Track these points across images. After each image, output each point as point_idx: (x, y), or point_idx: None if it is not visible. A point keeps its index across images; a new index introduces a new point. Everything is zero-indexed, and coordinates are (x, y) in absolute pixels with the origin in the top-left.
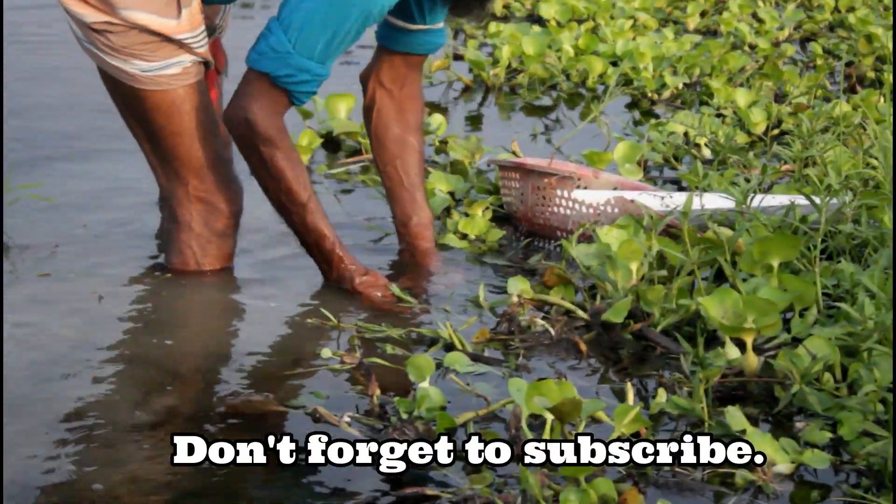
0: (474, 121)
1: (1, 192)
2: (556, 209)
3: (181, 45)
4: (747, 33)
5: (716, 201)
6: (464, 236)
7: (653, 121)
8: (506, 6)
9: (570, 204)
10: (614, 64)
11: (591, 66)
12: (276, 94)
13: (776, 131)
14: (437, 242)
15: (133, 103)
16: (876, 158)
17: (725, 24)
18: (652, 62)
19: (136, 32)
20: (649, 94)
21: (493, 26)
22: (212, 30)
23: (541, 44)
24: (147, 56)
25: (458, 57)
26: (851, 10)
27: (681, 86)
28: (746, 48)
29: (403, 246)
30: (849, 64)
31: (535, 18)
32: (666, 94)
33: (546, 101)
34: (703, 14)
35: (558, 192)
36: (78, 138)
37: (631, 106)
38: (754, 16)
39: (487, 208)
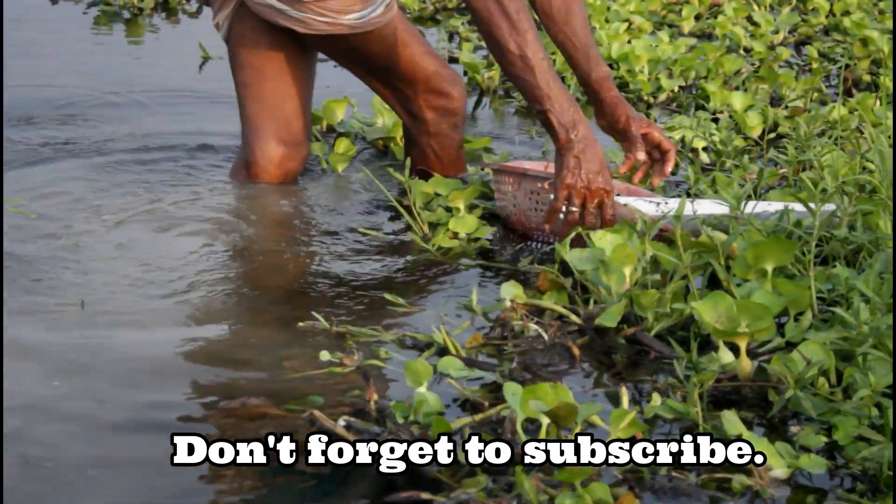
0: (469, 123)
1: (1, 194)
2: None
3: None
4: (742, 37)
5: (709, 207)
6: (455, 235)
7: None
8: None
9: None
10: (610, 67)
11: None
12: None
13: (772, 135)
14: (431, 243)
15: (352, 51)
16: (872, 162)
17: (720, 27)
18: (647, 65)
19: None
20: (645, 98)
21: None
22: None
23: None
24: (354, 8)
25: (452, 59)
26: (847, 13)
27: (676, 89)
28: (742, 51)
29: (593, 104)
30: (845, 67)
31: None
32: (662, 97)
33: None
34: (697, 17)
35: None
36: None
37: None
38: (749, 19)
39: (476, 206)
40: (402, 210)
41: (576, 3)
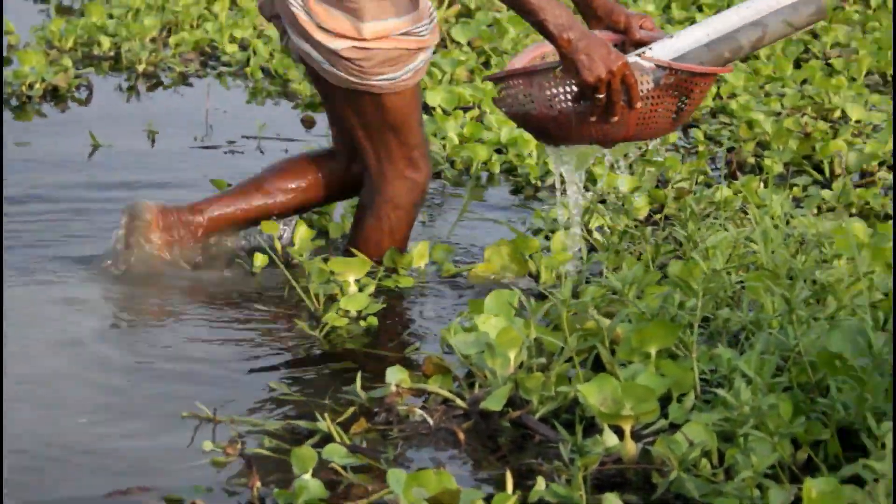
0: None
1: (1, 196)
2: (565, 93)
3: (419, 43)
4: None
5: (693, 36)
6: (346, 313)
7: (537, 208)
8: None
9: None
10: (499, 151)
11: (476, 153)
12: None
13: (659, 216)
14: (322, 320)
15: (370, 110)
16: (755, 242)
17: None
18: (536, 150)
19: (380, 52)
20: (533, 181)
21: None
22: None
23: (426, 130)
24: (389, 70)
25: None
26: (733, 96)
27: None
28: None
29: (586, 15)
30: (730, 150)
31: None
32: (550, 180)
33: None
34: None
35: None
36: None
37: (515, 192)
38: None
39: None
40: (297, 287)
41: None
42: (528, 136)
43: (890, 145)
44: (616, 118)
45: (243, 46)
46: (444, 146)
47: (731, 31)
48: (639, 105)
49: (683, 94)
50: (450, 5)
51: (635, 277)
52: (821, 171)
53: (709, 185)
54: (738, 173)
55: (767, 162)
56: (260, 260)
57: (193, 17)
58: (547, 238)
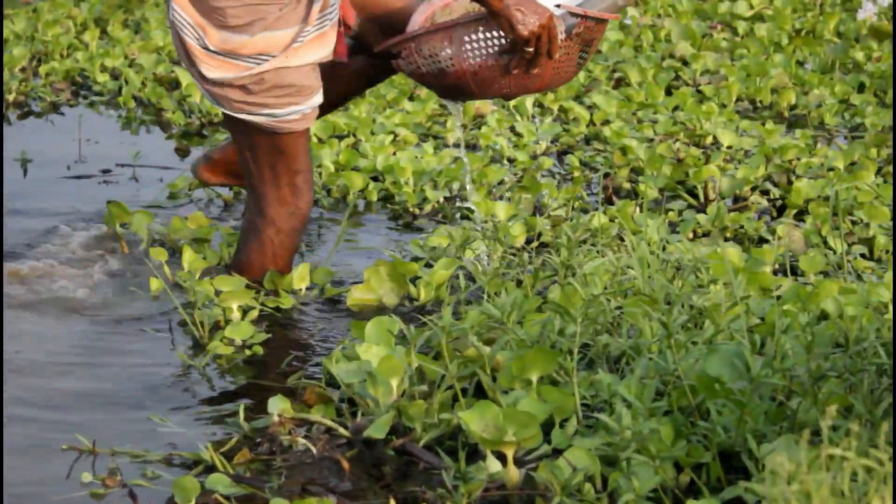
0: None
1: (1, 199)
2: (489, 47)
3: (308, 83)
4: (506, 147)
5: None
6: (231, 341)
7: (415, 236)
8: None
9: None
10: (375, 179)
11: (352, 181)
12: None
13: (535, 244)
14: (206, 349)
15: (255, 144)
16: (633, 268)
17: (484, 138)
18: (412, 177)
19: (270, 85)
20: (411, 209)
21: None
22: None
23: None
24: (274, 104)
25: None
26: (606, 122)
27: (442, 200)
28: (505, 161)
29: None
30: (605, 176)
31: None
32: (427, 207)
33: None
34: (462, 128)
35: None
36: None
37: (393, 220)
38: (512, 129)
39: (253, 308)
40: (183, 314)
41: None
42: (404, 163)
43: (762, 170)
44: (537, 70)
45: (115, 76)
46: (320, 174)
47: None
48: (557, 55)
49: (587, 43)
50: None
51: (515, 304)
52: (695, 196)
53: (585, 211)
54: (615, 198)
55: (642, 187)
56: (155, 285)
57: (63, 47)
58: (429, 265)
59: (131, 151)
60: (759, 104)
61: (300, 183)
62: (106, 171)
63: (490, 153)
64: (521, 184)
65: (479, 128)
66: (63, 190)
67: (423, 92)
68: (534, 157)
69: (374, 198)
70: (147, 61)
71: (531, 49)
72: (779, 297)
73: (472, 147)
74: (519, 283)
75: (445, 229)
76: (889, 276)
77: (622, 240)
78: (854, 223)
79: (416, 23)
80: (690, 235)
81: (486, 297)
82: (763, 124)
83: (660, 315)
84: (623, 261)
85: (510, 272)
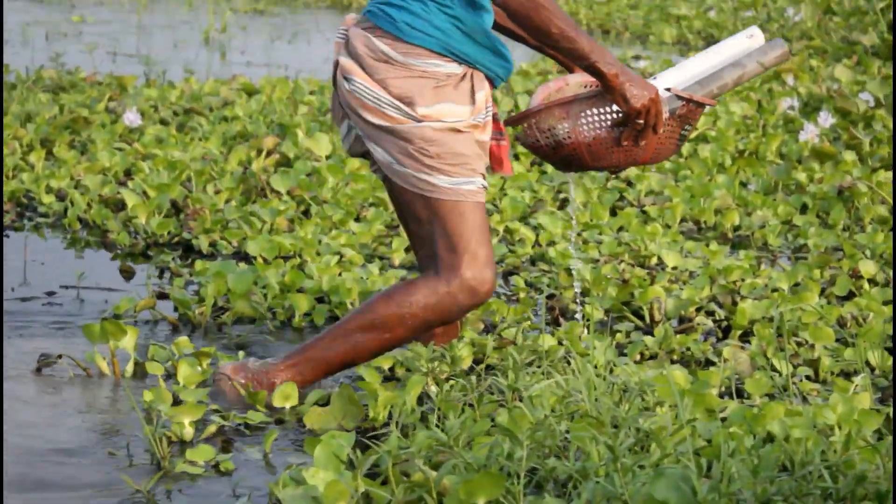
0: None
1: (1, 202)
2: (602, 121)
3: (479, 151)
4: None
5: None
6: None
7: None
8: (212, 244)
9: (610, 111)
10: (321, 300)
11: (298, 303)
12: None
13: (482, 366)
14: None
15: (428, 212)
16: (580, 392)
17: None
18: (358, 298)
19: (446, 149)
20: None
21: (199, 264)
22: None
23: (247, 281)
24: (450, 171)
25: (162, 296)
26: (552, 243)
27: None
28: None
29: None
30: (550, 297)
31: (241, 256)
32: None
33: (253, 338)
34: (408, 249)
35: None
36: None
37: None
38: None
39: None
40: (146, 429)
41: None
42: (349, 284)
43: (707, 291)
44: (644, 142)
45: (60, 197)
46: (265, 296)
47: (717, 70)
48: (661, 130)
49: (687, 123)
50: (268, 155)
51: (463, 427)
52: (641, 317)
53: (533, 330)
54: (561, 319)
55: (588, 309)
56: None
57: (9, 168)
58: (387, 379)
59: (77, 271)
60: (703, 225)
61: (486, 267)
62: (50, 294)
63: None
64: None
65: None
66: (6, 313)
67: (370, 213)
68: None
69: (321, 320)
70: (93, 182)
71: (641, 121)
72: (724, 420)
73: (418, 268)
74: (470, 406)
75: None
76: (835, 397)
77: (569, 362)
78: (799, 344)
79: (536, 101)
80: (638, 357)
81: (436, 418)
82: (707, 245)
83: (606, 438)
84: (570, 383)
85: (459, 395)
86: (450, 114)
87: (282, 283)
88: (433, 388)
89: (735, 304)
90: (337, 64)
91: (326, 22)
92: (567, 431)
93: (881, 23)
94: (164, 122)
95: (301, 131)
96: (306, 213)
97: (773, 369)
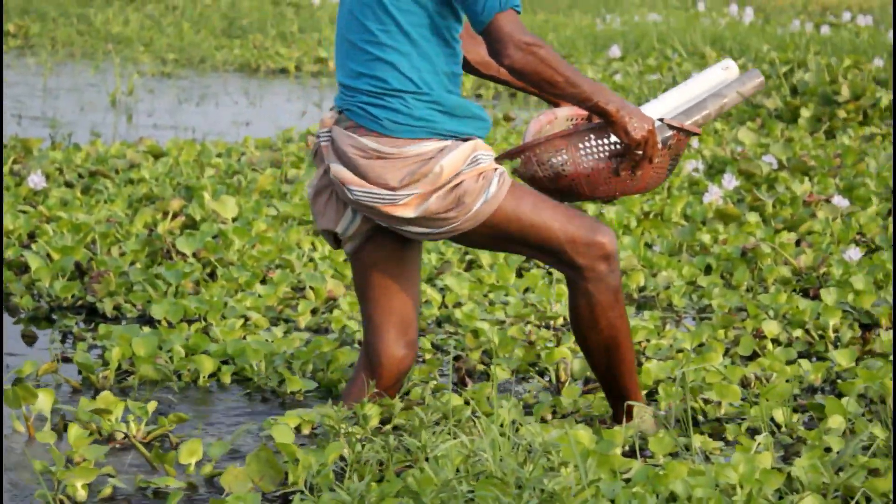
0: None
1: (1, 205)
2: (600, 152)
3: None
4: (357, 330)
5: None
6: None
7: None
8: (116, 307)
9: (608, 143)
10: (225, 363)
11: (202, 365)
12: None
13: (389, 426)
14: None
15: (492, 232)
16: (484, 452)
17: (336, 321)
18: (264, 360)
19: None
20: (265, 387)
21: (102, 328)
22: None
23: (151, 344)
24: (474, 191)
25: (66, 359)
26: (458, 305)
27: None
28: (357, 345)
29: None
30: (457, 358)
31: (146, 319)
32: (285, 386)
33: (159, 396)
34: (314, 311)
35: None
36: None
37: (248, 399)
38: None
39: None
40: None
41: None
42: (255, 346)
43: None
44: (640, 172)
45: None
46: (170, 359)
47: (699, 101)
48: (656, 160)
49: (676, 153)
50: (174, 217)
51: (369, 489)
52: (547, 378)
53: (439, 390)
54: (468, 380)
55: (494, 369)
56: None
57: None
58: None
59: None
60: None
61: (587, 225)
62: None
63: (342, 336)
64: None
65: (332, 311)
66: None
67: (276, 274)
68: None
69: (228, 379)
70: None
71: (640, 152)
72: (628, 480)
73: (324, 330)
74: (381, 464)
75: (301, 412)
76: (737, 456)
77: (475, 423)
78: (706, 402)
79: (529, 134)
80: (549, 416)
81: (346, 479)
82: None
83: (510, 500)
84: (475, 443)
85: (372, 455)
86: (451, 166)
87: (186, 347)
88: (345, 451)
89: (640, 364)
90: (328, 169)
91: (234, 84)
92: (472, 492)
93: (784, 87)
94: (69, 185)
95: (207, 193)
96: (212, 275)
97: (679, 428)
